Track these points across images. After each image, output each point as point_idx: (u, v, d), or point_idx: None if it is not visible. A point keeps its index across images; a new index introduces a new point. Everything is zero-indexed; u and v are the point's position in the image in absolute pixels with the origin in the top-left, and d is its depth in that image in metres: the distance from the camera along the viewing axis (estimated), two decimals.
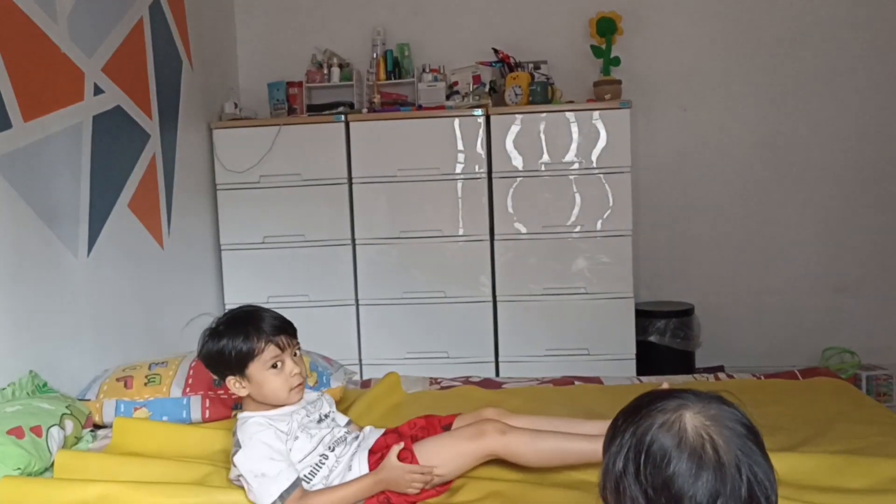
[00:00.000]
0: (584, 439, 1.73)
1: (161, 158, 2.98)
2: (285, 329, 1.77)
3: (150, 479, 1.80)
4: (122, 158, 2.70)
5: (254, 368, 1.72)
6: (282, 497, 1.64)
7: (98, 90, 2.55)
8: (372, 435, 1.87)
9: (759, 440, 0.99)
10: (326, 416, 1.88)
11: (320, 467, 1.76)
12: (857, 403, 2.28)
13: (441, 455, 1.72)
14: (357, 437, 1.86)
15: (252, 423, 1.73)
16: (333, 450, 1.79)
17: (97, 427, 2.20)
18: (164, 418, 2.20)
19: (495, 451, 1.73)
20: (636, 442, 0.98)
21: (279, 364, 1.74)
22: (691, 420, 0.97)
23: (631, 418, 1.02)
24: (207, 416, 2.23)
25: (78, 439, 2.04)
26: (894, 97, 3.63)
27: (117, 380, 2.27)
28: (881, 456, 1.83)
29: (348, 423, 1.94)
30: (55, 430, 1.89)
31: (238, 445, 1.72)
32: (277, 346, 1.73)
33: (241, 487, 1.72)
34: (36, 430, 1.83)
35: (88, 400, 2.23)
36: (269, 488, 1.64)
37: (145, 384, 2.24)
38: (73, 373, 2.33)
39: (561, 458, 1.75)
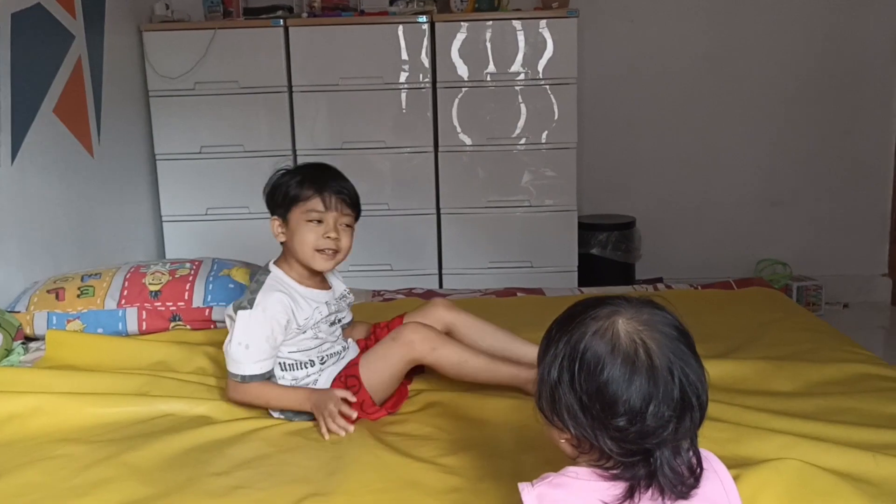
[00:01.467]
0: (513, 366, 1.75)
1: (88, 62, 2.82)
2: (342, 194, 1.73)
3: (86, 391, 1.77)
4: (45, 61, 2.55)
5: (295, 214, 1.71)
6: (243, 378, 1.67)
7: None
8: (349, 354, 1.84)
9: (690, 342, 1.01)
10: (340, 321, 1.85)
11: (301, 368, 1.74)
12: (788, 312, 2.36)
13: (374, 366, 1.72)
14: (342, 357, 1.82)
15: (276, 297, 1.68)
16: (323, 363, 1.77)
17: (28, 339, 2.14)
18: (99, 330, 2.15)
19: (422, 361, 1.74)
20: (570, 350, 0.99)
21: (318, 221, 1.70)
22: (624, 326, 0.98)
23: (564, 327, 1.02)
24: (144, 328, 2.19)
25: (8, 352, 1.98)
26: (838, 14, 3.64)
27: (48, 291, 2.20)
28: (808, 361, 1.90)
29: (349, 323, 1.93)
30: None
31: (250, 302, 1.68)
32: (324, 203, 1.69)
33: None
34: None
35: (18, 312, 2.16)
36: (244, 363, 1.66)
37: (78, 296, 2.18)
38: (1, 285, 2.25)
39: (485, 381, 1.77)
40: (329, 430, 1.59)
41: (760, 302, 2.45)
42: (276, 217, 1.76)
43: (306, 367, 1.75)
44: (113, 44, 3.02)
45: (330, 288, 1.84)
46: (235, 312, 1.70)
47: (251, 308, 1.68)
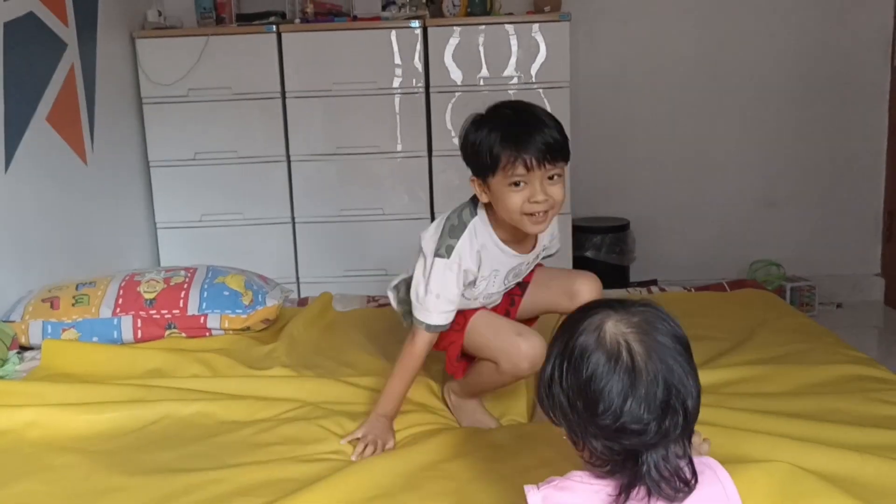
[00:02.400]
0: None
1: (80, 69, 2.82)
2: (548, 151, 1.51)
3: (81, 401, 1.77)
4: (38, 69, 2.55)
5: (496, 180, 1.55)
6: (428, 327, 1.64)
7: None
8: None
9: (685, 348, 1.02)
10: (516, 276, 1.75)
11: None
12: (781, 313, 2.38)
13: (479, 340, 1.69)
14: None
15: (473, 252, 1.63)
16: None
17: (24, 349, 2.14)
18: (94, 339, 2.16)
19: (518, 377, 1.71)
20: (562, 348, 1.02)
21: (522, 183, 1.53)
22: (612, 327, 1.00)
23: (564, 328, 1.05)
24: (140, 336, 2.20)
25: (3, 362, 1.98)
26: (829, 14, 3.65)
27: (43, 300, 2.20)
28: (800, 363, 1.92)
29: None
30: None
31: (447, 250, 1.62)
32: (526, 165, 1.50)
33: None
34: None
35: (13, 321, 2.16)
36: (433, 312, 1.62)
37: (73, 304, 2.19)
38: None
39: None
40: (361, 454, 1.55)
41: (753, 304, 2.46)
42: (475, 178, 1.61)
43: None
44: (105, 51, 3.02)
45: (533, 249, 1.71)
46: (428, 254, 1.64)
47: (448, 257, 1.61)
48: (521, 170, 1.51)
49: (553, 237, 1.81)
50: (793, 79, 3.71)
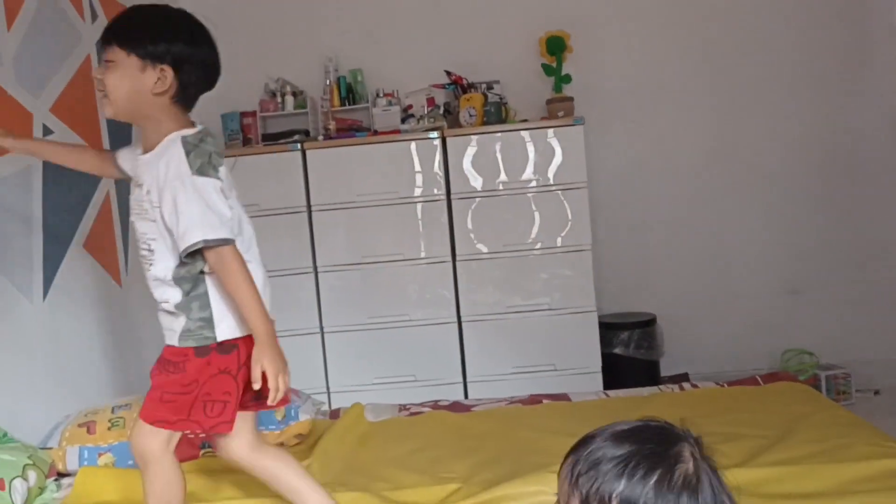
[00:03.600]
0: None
1: (115, 196, 2.94)
2: (102, 37, 1.57)
3: None
4: (75, 199, 2.67)
5: None
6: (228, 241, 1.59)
7: (47, 130, 2.52)
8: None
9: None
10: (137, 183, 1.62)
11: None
12: (818, 407, 2.34)
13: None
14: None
15: None
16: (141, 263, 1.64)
17: (61, 475, 2.16)
18: (130, 462, 2.16)
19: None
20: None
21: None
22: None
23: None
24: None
25: (42, 490, 1.99)
26: (836, 105, 3.73)
27: (79, 425, 2.22)
28: (839, 459, 1.88)
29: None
30: (18, 483, 1.85)
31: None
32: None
33: None
34: (0, 484, 1.79)
35: (51, 448, 2.18)
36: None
37: (109, 428, 2.21)
38: (33, 421, 2.28)
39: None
40: (279, 389, 1.54)
41: (788, 397, 2.43)
42: None
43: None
44: None
45: (146, 151, 1.62)
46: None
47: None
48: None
49: (163, 187, 1.55)
50: (808, 162, 3.76)
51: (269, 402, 1.59)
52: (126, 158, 1.72)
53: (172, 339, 1.64)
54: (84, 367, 2.60)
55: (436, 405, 2.64)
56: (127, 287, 2.96)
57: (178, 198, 1.52)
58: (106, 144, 2.90)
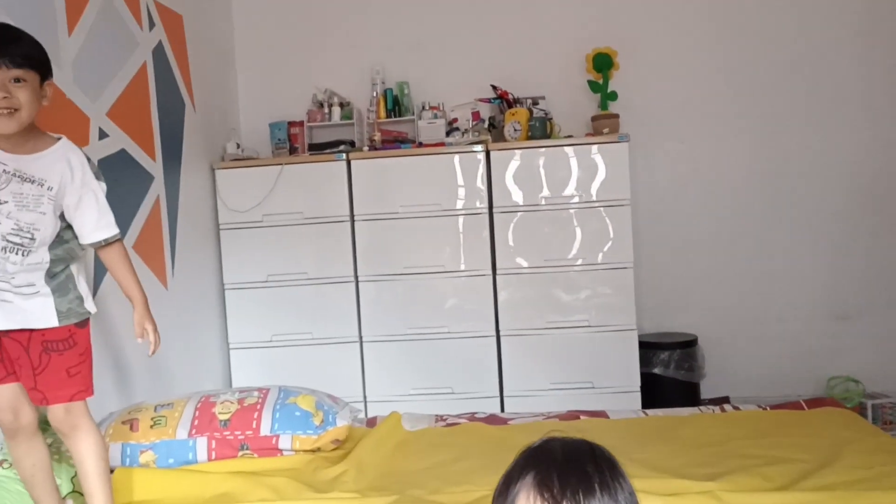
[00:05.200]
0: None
1: (165, 200, 3.01)
2: (4, 55, 1.65)
3: None
4: (128, 201, 2.73)
5: None
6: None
7: (103, 134, 2.59)
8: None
9: None
10: (0, 201, 1.70)
11: None
12: (863, 433, 2.29)
13: None
14: (44, 273, 1.76)
15: None
16: (5, 251, 1.71)
17: None
18: (171, 460, 2.20)
19: None
20: None
21: None
22: None
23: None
24: (214, 456, 2.23)
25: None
26: (888, 124, 3.67)
27: (123, 422, 2.27)
28: (886, 487, 1.83)
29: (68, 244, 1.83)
30: None
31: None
32: None
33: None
34: None
35: None
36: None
37: (151, 426, 2.25)
38: None
39: None
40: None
41: (833, 423, 2.38)
42: None
43: None
44: (188, 182, 3.22)
45: (27, 154, 1.73)
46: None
47: None
48: None
49: (76, 188, 1.78)
50: (857, 185, 3.70)
51: (152, 352, 1.98)
52: None
53: (46, 322, 1.77)
54: (129, 365, 2.65)
55: (472, 417, 2.64)
56: (173, 290, 3.01)
57: (98, 196, 1.82)
58: (158, 151, 2.97)
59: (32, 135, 1.76)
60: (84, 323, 1.84)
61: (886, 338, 3.69)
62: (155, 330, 1.96)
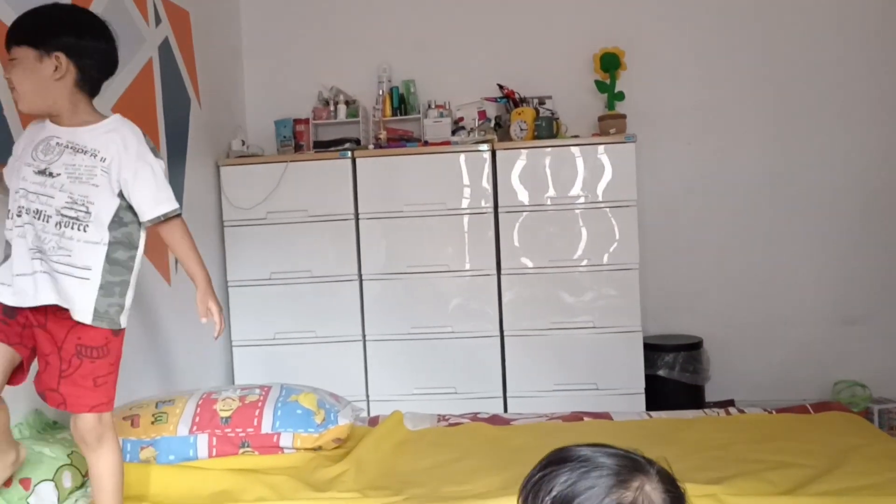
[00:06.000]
0: None
1: None
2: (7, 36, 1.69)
3: None
4: None
5: None
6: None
7: None
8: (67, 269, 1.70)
9: None
10: (51, 174, 1.70)
11: (14, 220, 1.71)
12: (870, 438, 2.26)
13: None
14: (50, 251, 1.70)
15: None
16: (35, 222, 1.68)
17: None
18: (171, 457, 2.20)
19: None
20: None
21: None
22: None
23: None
24: (214, 453, 2.22)
25: (77, 488, 2.00)
26: (893, 131, 3.64)
27: (124, 418, 2.26)
28: (892, 493, 1.81)
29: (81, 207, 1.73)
30: (45, 488, 1.84)
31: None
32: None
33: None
34: (24, 483, 1.81)
35: None
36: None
37: (152, 422, 2.24)
38: None
39: None
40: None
41: (839, 427, 2.36)
42: None
43: (15, 218, 1.72)
44: (192, 178, 3.21)
45: (79, 126, 1.74)
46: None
47: None
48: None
49: (131, 162, 1.73)
50: (865, 190, 3.67)
51: (217, 333, 1.93)
52: (34, 137, 1.77)
53: (80, 312, 1.70)
54: (131, 361, 2.63)
55: (475, 417, 2.63)
56: (176, 286, 3.00)
57: (156, 171, 1.75)
58: (163, 147, 2.97)
59: (84, 109, 1.74)
60: (119, 332, 1.77)
61: (894, 342, 3.66)
62: (220, 310, 1.89)
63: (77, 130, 1.72)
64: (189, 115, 3.23)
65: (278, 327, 3.46)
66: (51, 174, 1.69)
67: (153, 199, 1.75)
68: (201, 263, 1.88)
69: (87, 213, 1.70)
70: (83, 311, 1.69)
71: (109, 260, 1.72)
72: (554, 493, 0.94)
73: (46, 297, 1.68)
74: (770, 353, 3.73)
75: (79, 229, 1.69)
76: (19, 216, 1.70)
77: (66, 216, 1.68)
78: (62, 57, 1.69)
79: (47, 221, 1.68)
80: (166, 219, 1.78)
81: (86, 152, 1.71)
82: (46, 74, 1.68)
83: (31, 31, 1.69)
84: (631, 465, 0.96)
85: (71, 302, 1.69)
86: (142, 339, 2.75)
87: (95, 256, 1.70)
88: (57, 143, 1.70)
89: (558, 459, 0.98)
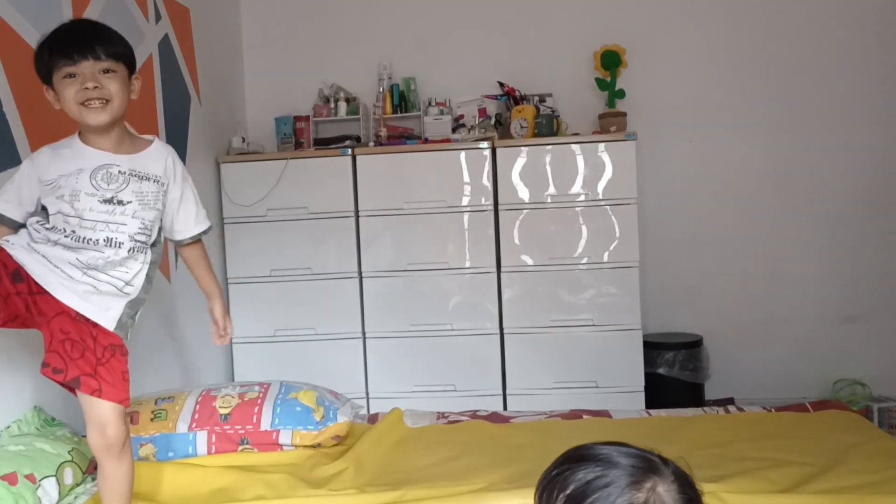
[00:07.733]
0: None
1: None
2: (82, 43, 1.66)
3: None
4: None
5: (56, 80, 1.68)
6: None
7: None
8: (130, 278, 1.76)
9: None
10: (120, 202, 1.71)
11: (52, 229, 1.70)
12: (869, 436, 2.26)
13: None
14: (114, 266, 1.72)
15: (41, 150, 1.76)
16: (78, 242, 1.68)
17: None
18: (170, 454, 2.20)
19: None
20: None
21: (74, 75, 1.66)
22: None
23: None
24: (213, 450, 2.22)
25: (77, 485, 2.00)
26: (894, 130, 3.63)
27: None
28: (891, 492, 1.81)
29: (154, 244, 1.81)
30: (49, 483, 1.84)
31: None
32: (72, 58, 1.65)
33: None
34: (30, 478, 1.80)
35: None
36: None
37: (151, 419, 2.24)
38: (79, 408, 2.31)
39: None
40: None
41: (839, 426, 2.35)
42: (48, 88, 1.72)
43: (56, 232, 1.70)
44: (193, 175, 3.11)
45: (133, 153, 1.76)
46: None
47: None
48: (68, 62, 1.65)
49: (169, 168, 1.81)
50: (866, 188, 3.67)
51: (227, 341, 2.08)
52: (78, 165, 1.74)
53: (105, 317, 1.73)
54: (131, 358, 2.64)
55: (474, 415, 2.63)
56: (176, 283, 3.01)
57: (195, 190, 1.89)
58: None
59: (128, 134, 1.79)
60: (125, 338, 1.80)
61: (894, 341, 3.66)
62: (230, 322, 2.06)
63: (134, 158, 1.76)
64: (189, 111, 3.23)
65: (278, 324, 3.46)
66: (120, 202, 1.72)
67: (195, 217, 1.88)
68: (216, 279, 2.03)
69: (150, 236, 1.79)
70: (109, 320, 1.74)
71: (147, 278, 1.79)
72: (568, 491, 0.95)
73: (85, 309, 1.71)
74: (770, 352, 3.73)
75: (143, 252, 1.77)
76: (66, 236, 1.70)
77: (138, 241, 1.75)
78: (140, 80, 1.79)
79: (119, 247, 1.72)
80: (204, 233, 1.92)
81: (149, 179, 1.77)
82: (128, 94, 1.74)
83: (129, 54, 1.75)
84: (646, 466, 0.97)
85: (99, 313, 1.72)
86: (142, 337, 2.75)
87: (142, 274, 1.78)
88: (119, 172, 1.73)
89: (575, 457, 0.99)
